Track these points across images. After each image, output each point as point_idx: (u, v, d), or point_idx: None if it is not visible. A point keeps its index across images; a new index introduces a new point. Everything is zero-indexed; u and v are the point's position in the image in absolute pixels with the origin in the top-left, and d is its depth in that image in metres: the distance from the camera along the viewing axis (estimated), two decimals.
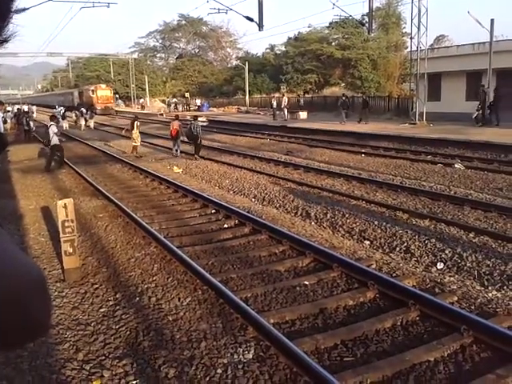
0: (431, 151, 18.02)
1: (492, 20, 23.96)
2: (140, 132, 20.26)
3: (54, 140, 16.12)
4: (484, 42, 25.79)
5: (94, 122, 38.47)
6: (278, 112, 35.47)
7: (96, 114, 50.82)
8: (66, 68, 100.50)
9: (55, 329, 5.15)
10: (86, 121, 38.83)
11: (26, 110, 44.07)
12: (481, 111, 24.40)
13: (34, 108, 54.52)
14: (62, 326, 5.23)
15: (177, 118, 19.71)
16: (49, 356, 4.64)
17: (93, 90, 57.68)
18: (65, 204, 6.47)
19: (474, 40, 28.01)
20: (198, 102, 56.54)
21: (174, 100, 61.95)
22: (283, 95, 39.31)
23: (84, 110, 41.88)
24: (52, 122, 16.31)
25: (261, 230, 8.21)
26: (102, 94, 57.59)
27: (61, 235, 6.51)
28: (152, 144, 23.76)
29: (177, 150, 19.30)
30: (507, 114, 24.72)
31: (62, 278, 6.64)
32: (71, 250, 6.52)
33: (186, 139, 18.68)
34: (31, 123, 28.16)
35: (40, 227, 9.43)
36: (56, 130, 16.13)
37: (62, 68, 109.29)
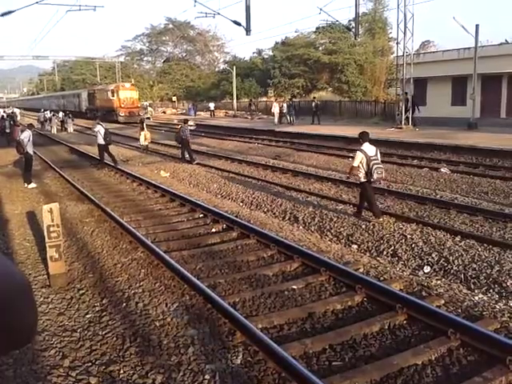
0: (417, 155, 18.16)
1: (477, 26, 24.27)
2: (127, 136, 20.78)
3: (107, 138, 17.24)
4: (469, 48, 26.11)
5: (75, 125, 38.27)
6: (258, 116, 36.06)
7: (119, 122, 41.92)
8: (52, 71, 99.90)
9: (41, 335, 5.08)
10: (62, 125, 38.45)
11: (16, 112, 43.92)
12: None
13: (18, 111, 53.50)
14: (47, 333, 5.17)
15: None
16: (34, 363, 4.58)
17: (113, 91, 44.46)
18: (50, 209, 6.40)
19: (459, 45, 28.39)
20: (212, 105, 50.98)
21: (147, 103, 60.63)
22: (276, 100, 39.10)
23: (61, 115, 41.12)
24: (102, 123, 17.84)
25: (249, 234, 8.20)
26: (126, 95, 44.33)
27: (46, 240, 6.44)
28: (139, 148, 23.64)
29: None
30: (493, 118, 25.10)
31: (47, 284, 6.57)
32: (57, 256, 6.45)
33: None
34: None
35: (25, 232, 9.32)
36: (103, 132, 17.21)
37: (48, 71, 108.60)
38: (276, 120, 34.40)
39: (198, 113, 53.13)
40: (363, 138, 9.18)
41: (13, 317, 0.80)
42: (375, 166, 8.80)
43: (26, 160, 14.45)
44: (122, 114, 42.89)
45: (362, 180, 9.07)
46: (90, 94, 50.84)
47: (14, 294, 0.81)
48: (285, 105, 35.37)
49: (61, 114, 41.18)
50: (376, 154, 9.00)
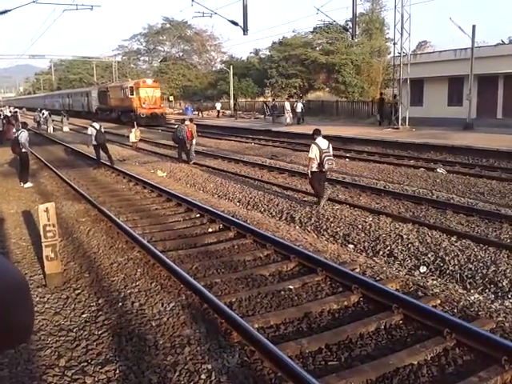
0: (414, 156, 18.20)
1: (473, 26, 24.33)
2: (124, 136, 21.65)
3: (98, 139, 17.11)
4: (466, 48, 26.16)
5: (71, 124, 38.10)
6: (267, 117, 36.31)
7: (140, 125, 31.92)
8: (49, 70, 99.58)
9: (36, 335, 5.07)
10: (42, 124, 37.93)
11: (18, 112, 43.71)
12: (379, 114, 30.91)
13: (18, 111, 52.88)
14: (43, 332, 5.15)
15: (191, 120, 20.06)
16: (30, 362, 4.57)
17: (132, 88, 38.17)
18: (46, 208, 6.38)
19: (455, 46, 28.45)
20: (218, 105, 48.71)
21: None
22: (287, 99, 37.93)
23: (47, 113, 39.86)
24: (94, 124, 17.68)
25: (245, 234, 8.20)
26: (148, 93, 37.99)
27: (42, 240, 6.42)
28: (131, 146, 23.60)
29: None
30: (490, 119, 25.16)
31: (43, 284, 6.55)
32: (53, 255, 6.44)
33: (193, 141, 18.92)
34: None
35: (21, 232, 9.29)
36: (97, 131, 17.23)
37: (45, 70, 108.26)
38: (288, 120, 32.70)
39: (195, 113, 52.52)
40: (316, 133, 10.41)
41: (10, 315, 0.80)
42: (326, 158, 10.04)
43: (21, 159, 14.41)
44: (144, 116, 36.31)
45: (314, 170, 10.27)
46: (101, 93, 44.88)
47: (12, 292, 0.81)
48: (299, 104, 34.00)
49: (46, 113, 40.53)
50: (328, 148, 10.21)
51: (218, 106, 49.05)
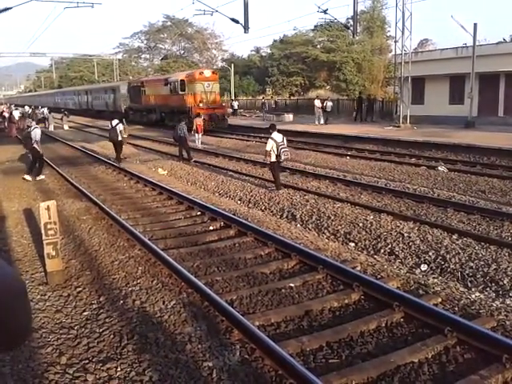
0: (415, 154, 18.19)
1: (475, 24, 24.31)
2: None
3: (119, 137, 17.52)
4: (467, 46, 26.13)
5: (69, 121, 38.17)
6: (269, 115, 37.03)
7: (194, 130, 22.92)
8: (50, 68, 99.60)
9: (38, 332, 5.08)
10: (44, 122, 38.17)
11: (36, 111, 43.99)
12: (356, 112, 33.12)
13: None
14: (44, 330, 5.16)
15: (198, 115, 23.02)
16: (31, 360, 4.57)
17: (183, 82, 29.57)
18: (48, 206, 6.38)
19: (457, 44, 28.40)
20: (236, 104, 44.34)
21: None
22: (317, 97, 34.38)
23: (46, 111, 39.10)
24: (118, 121, 17.99)
25: (246, 232, 8.20)
26: (205, 89, 29.04)
27: (43, 237, 6.42)
28: (137, 146, 23.62)
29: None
30: (491, 117, 25.13)
31: (44, 281, 6.56)
32: (54, 253, 6.44)
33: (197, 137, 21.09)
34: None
35: (22, 229, 9.30)
36: (122, 129, 17.72)
37: (46, 68, 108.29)
38: (320, 120, 30.25)
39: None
40: (272, 128, 11.90)
41: (7, 317, 0.79)
42: (282, 150, 11.47)
43: (33, 155, 14.93)
44: (201, 117, 25.49)
45: (273, 160, 11.71)
46: (134, 88, 36.36)
47: (9, 294, 0.81)
48: (329, 103, 31.25)
49: (45, 111, 40.50)
50: (283, 141, 11.65)
51: (235, 104, 44.21)
